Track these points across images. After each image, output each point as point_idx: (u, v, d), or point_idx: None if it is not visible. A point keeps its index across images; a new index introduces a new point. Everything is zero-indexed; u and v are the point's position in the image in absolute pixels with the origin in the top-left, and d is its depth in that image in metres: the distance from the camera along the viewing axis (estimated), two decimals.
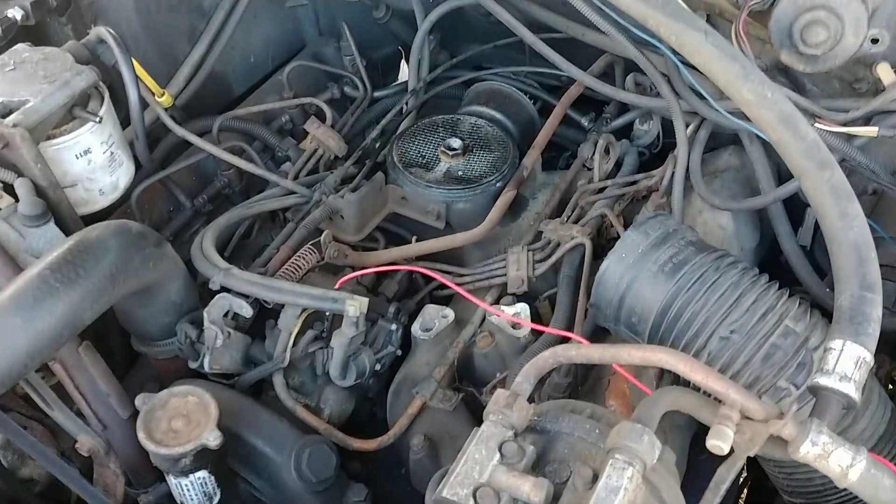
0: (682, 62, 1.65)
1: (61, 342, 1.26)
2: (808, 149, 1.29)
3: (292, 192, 1.86)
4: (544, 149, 2.02)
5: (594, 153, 1.96)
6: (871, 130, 1.60)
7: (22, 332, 1.19)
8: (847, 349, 1.14)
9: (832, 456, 1.04)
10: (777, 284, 1.45)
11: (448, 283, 1.70)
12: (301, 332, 1.52)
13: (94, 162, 1.66)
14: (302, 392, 1.57)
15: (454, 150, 1.93)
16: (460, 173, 1.91)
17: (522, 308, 1.69)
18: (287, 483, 1.41)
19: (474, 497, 1.04)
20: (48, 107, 1.54)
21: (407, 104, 2.16)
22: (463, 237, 1.76)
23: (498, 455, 1.10)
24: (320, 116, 2.08)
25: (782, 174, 1.78)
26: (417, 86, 2.16)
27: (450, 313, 1.68)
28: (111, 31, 1.67)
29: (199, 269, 1.56)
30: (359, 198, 1.79)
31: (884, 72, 1.58)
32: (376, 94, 2.23)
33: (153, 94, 1.94)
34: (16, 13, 1.77)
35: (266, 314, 1.59)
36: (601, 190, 1.90)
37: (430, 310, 1.69)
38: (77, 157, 1.62)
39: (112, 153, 1.69)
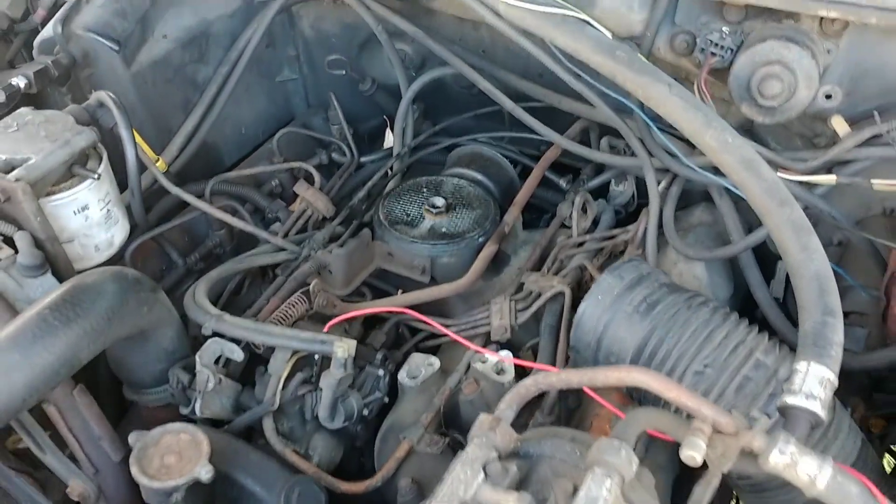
0: (653, 119, 1.76)
1: (58, 380, 1.30)
2: (769, 188, 1.38)
3: (282, 250, 1.93)
4: (525, 210, 2.11)
5: (572, 210, 2.05)
6: (829, 178, 1.70)
7: (20, 368, 1.23)
8: (812, 370, 1.20)
9: (800, 465, 1.08)
10: (746, 321, 1.51)
11: (436, 325, 1.75)
12: (290, 377, 1.55)
13: (91, 219, 1.73)
14: (291, 438, 1.60)
15: (437, 207, 2.01)
16: (444, 230, 1.99)
17: (507, 355, 1.74)
18: None
19: None
20: (49, 164, 1.62)
21: (392, 168, 2.25)
22: (448, 288, 1.83)
23: (482, 475, 1.14)
24: (309, 180, 2.17)
25: (752, 229, 1.87)
26: (402, 150, 2.26)
27: (435, 361, 1.73)
28: (111, 94, 1.77)
29: (192, 317, 1.61)
30: (346, 252, 1.86)
31: (838, 124, 1.69)
32: (362, 159, 2.33)
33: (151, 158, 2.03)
34: (19, 81, 1.87)
35: (256, 363, 1.64)
36: (580, 244, 1.98)
37: (417, 358, 1.74)
38: (75, 214, 1.69)
39: (109, 210, 1.76)
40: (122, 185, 1.86)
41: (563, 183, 2.24)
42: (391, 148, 2.33)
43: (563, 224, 2.11)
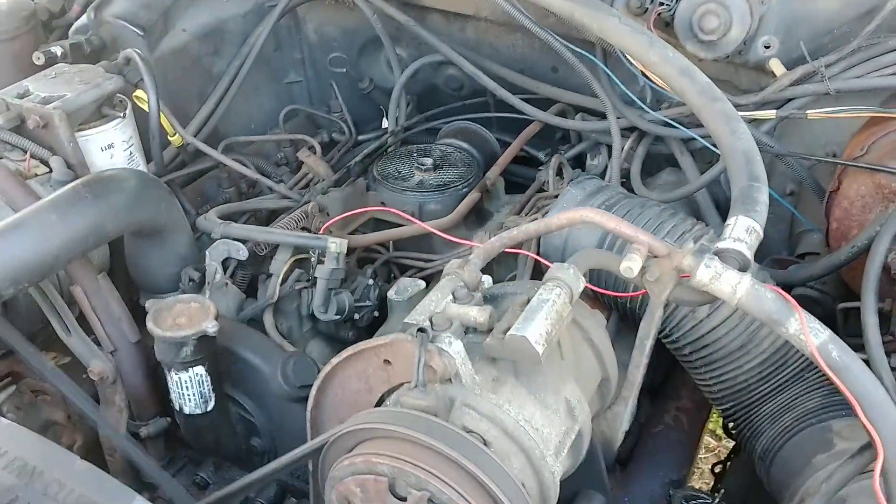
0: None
1: (87, 246, 1.50)
2: (703, 89, 1.59)
3: (287, 198, 2.14)
4: (507, 186, 2.32)
5: (549, 172, 2.26)
6: (769, 113, 1.92)
7: (57, 228, 1.43)
8: (740, 222, 1.37)
9: (723, 277, 1.25)
10: (694, 218, 1.70)
11: (422, 258, 1.93)
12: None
13: (116, 157, 1.95)
14: (289, 339, 1.77)
15: (426, 165, 2.23)
16: (431, 183, 2.20)
17: (487, 279, 1.91)
18: (273, 392, 1.59)
19: (430, 321, 1.25)
20: (81, 101, 1.86)
21: (387, 143, 2.48)
22: (433, 223, 2.02)
23: (451, 296, 1.32)
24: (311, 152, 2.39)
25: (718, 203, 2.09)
26: (396, 128, 2.49)
27: (421, 282, 1.90)
28: (137, 50, 2.02)
29: (202, 228, 1.80)
30: (342, 196, 2.07)
31: (776, 66, 1.91)
32: (360, 137, 2.56)
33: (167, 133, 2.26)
34: (56, 49, 2.12)
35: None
36: (556, 197, 2.18)
37: (404, 280, 1.91)
38: (102, 150, 1.92)
39: (131, 153, 1.98)
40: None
41: (542, 156, 2.46)
42: (386, 128, 2.56)
43: (541, 189, 2.32)
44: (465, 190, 2.18)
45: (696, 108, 1.61)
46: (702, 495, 1.53)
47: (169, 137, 2.25)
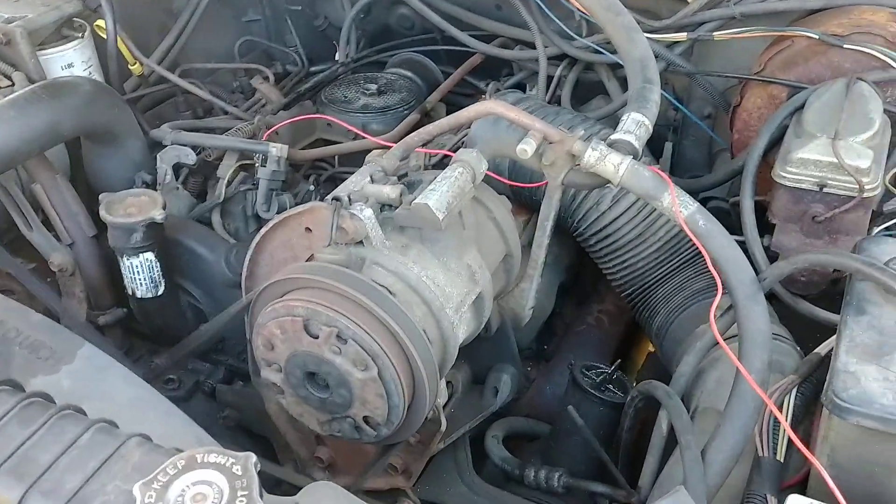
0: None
1: (45, 143, 1.65)
2: (608, 5, 1.74)
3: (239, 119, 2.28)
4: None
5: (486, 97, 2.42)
6: (681, 35, 2.08)
7: (16, 123, 1.58)
8: (631, 116, 1.54)
9: (608, 158, 1.42)
10: (604, 125, 1.87)
11: None
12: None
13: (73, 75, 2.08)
14: (236, 239, 1.92)
15: (371, 90, 2.38)
16: (375, 105, 2.35)
17: None
18: (218, 279, 1.75)
19: (348, 198, 1.41)
20: (42, 21, 2.00)
21: (337, 74, 2.62)
22: (375, 139, 2.17)
23: (370, 179, 1.48)
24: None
25: None
26: (346, 59, 2.63)
27: None
28: None
29: (155, 137, 1.95)
30: (290, 114, 2.22)
31: None
32: (312, 69, 2.70)
33: (128, 63, 2.40)
34: None
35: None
36: None
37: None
38: (62, 69, 2.05)
39: (90, 73, 2.12)
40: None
41: (482, 85, 2.61)
42: (338, 61, 2.70)
43: None
44: (406, 112, 2.33)
45: (602, 22, 1.77)
46: (599, 365, 1.70)
47: (129, 67, 2.39)
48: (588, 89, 2.43)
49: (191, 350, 1.55)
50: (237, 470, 0.91)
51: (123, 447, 0.99)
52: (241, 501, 0.87)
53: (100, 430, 1.02)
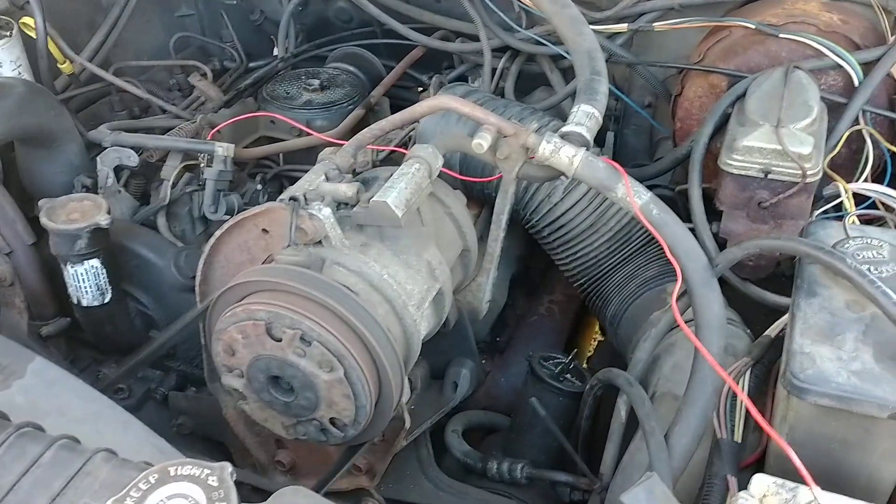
0: None
1: None
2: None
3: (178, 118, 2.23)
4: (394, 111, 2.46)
5: (431, 94, 2.41)
6: (621, 27, 2.12)
7: None
8: (581, 108, 1.56)
9: (562, 151, 1.43)
10: (554, 118, 1.89)
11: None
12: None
13: (3, 76, 2.00)
14: (183, 242, 1.88)
15: (313, 86, 2.35)
16: (318, 101, 2.32)
17: None
18: (167, 284, 1.71)
19: (304, 197, 1.39)
20: None
21: (277, 69, 2.58)
22: (320, 136, 2.15)
23: (324, 177, 1.46)
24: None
25: None
26: (286, 54, 2.59)
27: None
28: None
29: (93, 139, 1.89)
30: (232, 112, 2.18)
31: None
32: (251, 64, 2.66)
33: (57, 62, 2.31)
34: None
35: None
36: None
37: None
38: None
39: (19, 73, 2.04)
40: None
41: (425, 80, 2.60)
42: (277, 56, 2.66)
43: None
44: (350, 108, 2.31)
45: (548, 14, 1.78)
46: (557, 356, 1.72)
47: (59, 65, 2.31)
48: (530, 80, 2.44)
49: (145, 358, 1.51)
50: (213, 481, 0.89)
51: (90, 463, 0.96)
52: None
53: (62, 446, 0.98)
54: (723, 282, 1.62)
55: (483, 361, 2.09)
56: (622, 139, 2.43)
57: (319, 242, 1.33)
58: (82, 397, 1.28)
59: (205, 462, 0.91)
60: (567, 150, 1.43)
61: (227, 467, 0.90)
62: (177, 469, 0.90)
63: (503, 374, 2.02)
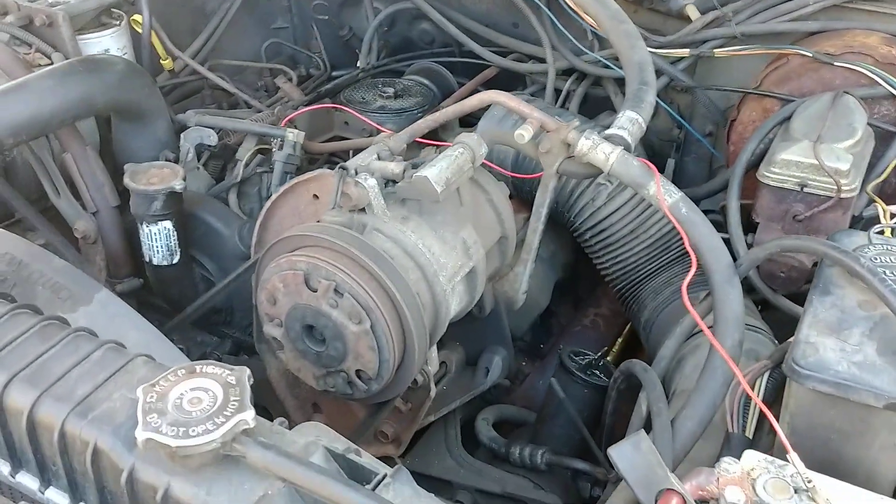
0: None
1: (78, 114, 1.76)
2: (612, 14, 1.85)
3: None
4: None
5: None
6: (683, 51, 2.19)
7: (53, 91, 1.70)
8: (626, 114, 1.64)
9: (599, 147, 1.51)
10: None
11: None
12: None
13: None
14: (251, 216, 2.02)
15: (388, 94, 2.49)
16: (391, 108, 2.47)
17: None
18: (231, 253, 1.85)
19: (354, 169, 1.51)
20: (83, 7, 2.14)
21: (357, 78, 2.75)
22: (384, 135, 2.27)
23: (376, 156, 1.58)
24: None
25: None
26: (367, 64, 2.76)
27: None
28: None
29: (180, 120, 2.07)
30: (310, 112, 2.33)
31: (691, 11, 2.18)
32: (333, 73, 2.83)
33: (160, 58, 2.54)
34: None
35: None
36: None
37: None
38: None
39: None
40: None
41: None
42: (359, 68, 2.83)
43: None
44: (419, 116, 2.43)
45: (606, 29, 1.87)
46: (586, 352, 1.78)
47: (161, 61, 2.53)
48: (596, 105, 2.52)
49: (202, 306, 1.65)
50: (231, 380, 1.00)
51: (131, 364, 1.09)
52: (233, 406, 0.96)
53: (110, 349, 1.12)
54: (755, 291, 1.67)
55: (523, 363, 2.16)
56: (682, 167, 2.48)
57: (363, 210, 1.44)
58: (140, 329, 1.42)
59: (227, 365, 1.02)
60: (604, 147, 1.51)
61: (246, 371, 1.01)
62: (202, 368, 1.01)
63: (541, 377, 2.08)
